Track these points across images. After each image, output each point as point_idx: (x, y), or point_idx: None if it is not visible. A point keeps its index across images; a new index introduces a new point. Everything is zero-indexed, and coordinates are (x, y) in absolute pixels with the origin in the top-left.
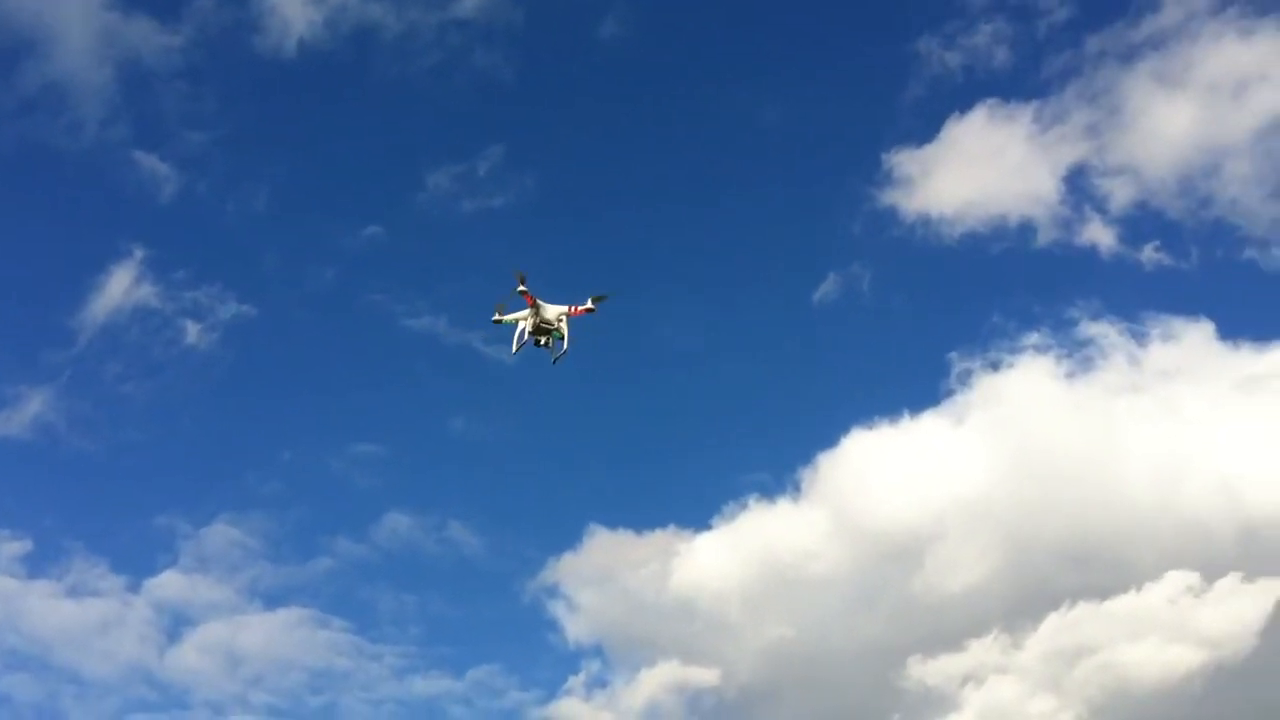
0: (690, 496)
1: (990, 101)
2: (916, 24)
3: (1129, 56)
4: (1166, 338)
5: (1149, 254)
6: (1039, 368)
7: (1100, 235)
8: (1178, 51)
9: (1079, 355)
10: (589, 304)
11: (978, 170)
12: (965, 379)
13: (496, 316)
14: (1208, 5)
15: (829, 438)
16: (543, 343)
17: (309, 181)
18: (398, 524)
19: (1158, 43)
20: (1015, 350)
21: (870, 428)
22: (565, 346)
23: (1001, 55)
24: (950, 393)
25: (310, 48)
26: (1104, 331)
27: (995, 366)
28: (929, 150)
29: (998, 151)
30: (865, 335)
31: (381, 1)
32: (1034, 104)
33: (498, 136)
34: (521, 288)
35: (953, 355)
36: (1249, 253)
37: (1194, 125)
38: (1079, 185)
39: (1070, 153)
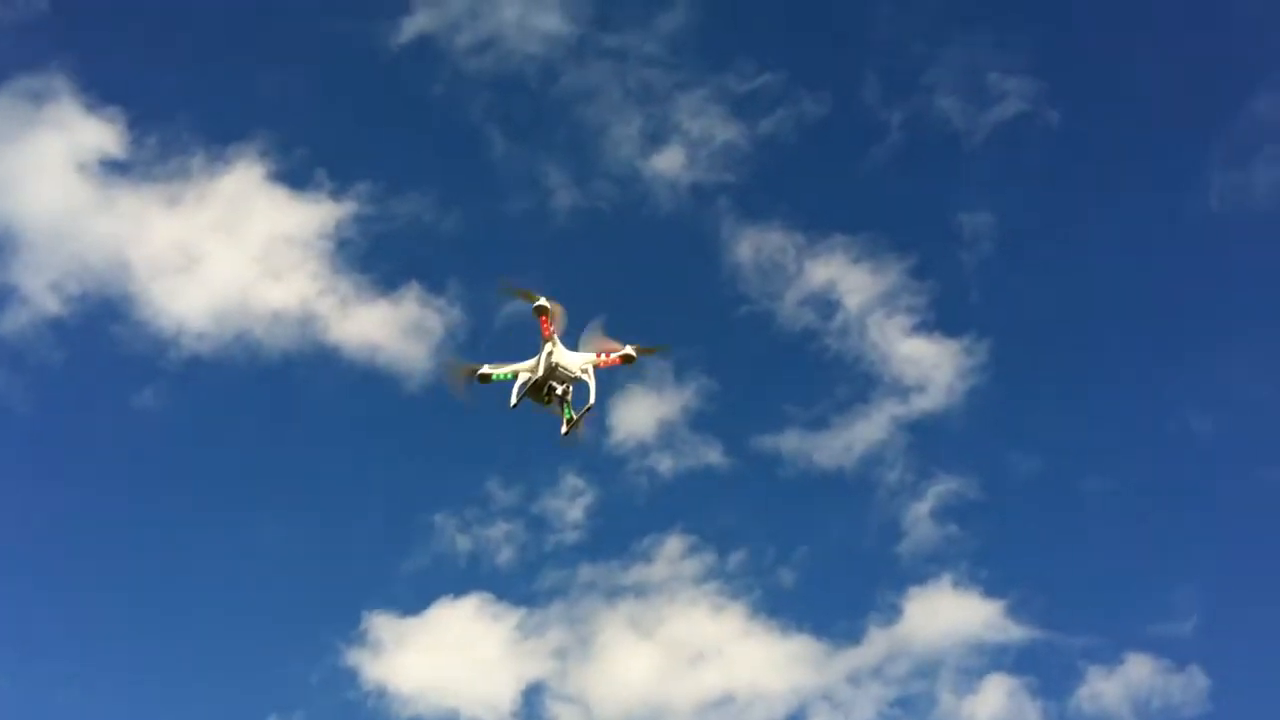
0: None
1: (485, 595)
2: (439, 503)
3: (613, 595)
4: None
5: None
6: None
7: None
8: (655, 605)
9: None
10: (628, 349)
11: (449, 659)
12: None
13: (486, 369)
14: (693, 575)
15: None
16: (560, 394)
17: None
18: None
19: (640, 591)
20: None
21: None
22: (591, 403)
23: (508, 555)
24: None
25: None
26: None
27: None
28: (411, 623)
29: (474, 645)
30: None
31: None
32: (522, 610)
33: None
34: (541, 301)
35: None
36: None
37: (650, 678)
38: (535, 703)
39: (537, 668)
